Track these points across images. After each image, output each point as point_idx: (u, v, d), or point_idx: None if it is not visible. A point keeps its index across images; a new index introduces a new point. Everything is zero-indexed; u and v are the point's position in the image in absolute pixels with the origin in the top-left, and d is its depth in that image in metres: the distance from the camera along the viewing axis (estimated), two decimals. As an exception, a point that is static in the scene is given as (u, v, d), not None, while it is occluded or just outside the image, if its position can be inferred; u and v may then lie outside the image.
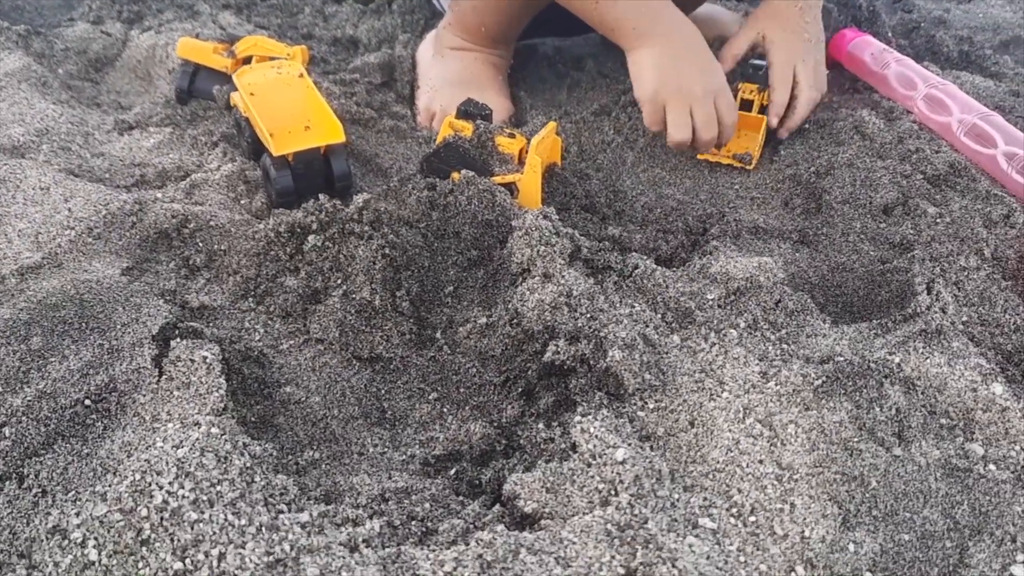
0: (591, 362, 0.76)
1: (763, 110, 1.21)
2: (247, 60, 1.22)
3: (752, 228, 1.06)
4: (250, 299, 0.89)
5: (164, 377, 0.71)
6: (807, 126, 1.25)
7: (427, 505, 0.67)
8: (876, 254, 1.02)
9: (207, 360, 0.72)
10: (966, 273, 0.90)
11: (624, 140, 1.24)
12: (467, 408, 0.82)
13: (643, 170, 1.21)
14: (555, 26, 1.45)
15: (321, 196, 0.93)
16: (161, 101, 1.23)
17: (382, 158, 1.15)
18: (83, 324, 0.77)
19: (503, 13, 1.25)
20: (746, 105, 1.21)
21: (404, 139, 1.21)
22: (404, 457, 0.76)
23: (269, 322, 0.87)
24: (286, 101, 1.05)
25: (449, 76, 1.29)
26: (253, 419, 0.76)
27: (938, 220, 1.04)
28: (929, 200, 1.07)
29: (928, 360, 0.78)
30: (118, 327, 0.76)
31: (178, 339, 0.75)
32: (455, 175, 1.02)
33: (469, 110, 1.06)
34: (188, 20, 1.43)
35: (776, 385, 0.75)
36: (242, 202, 1.02)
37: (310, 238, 0.89)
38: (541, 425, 0.76)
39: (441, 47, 1.31)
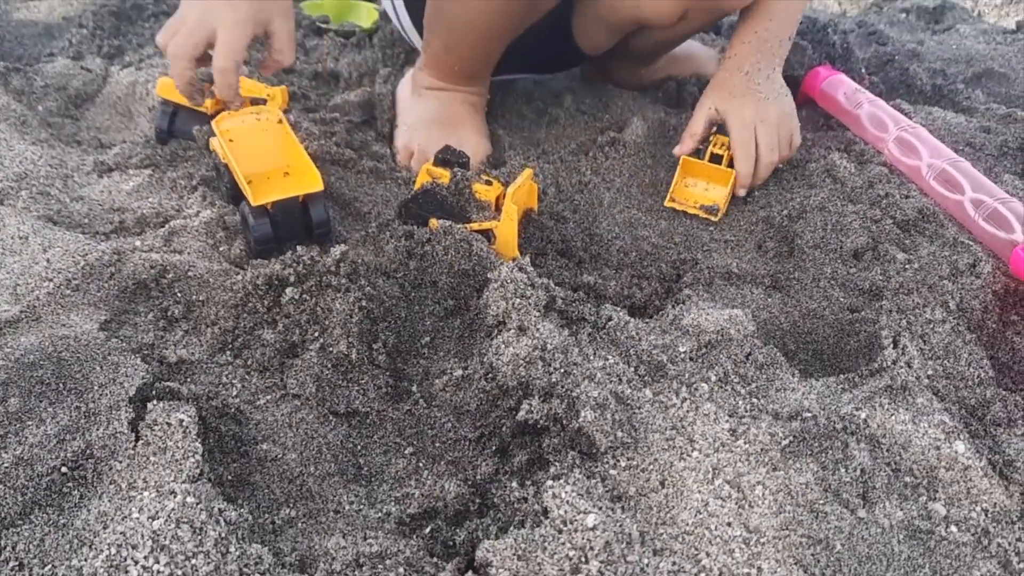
0: (564, 421, 0.78)
1: (732, 163, 1.22)
2: (227, 100, 1.22)
3: (725, 273, 1.08)
4: (228, 352, 0.89)
5: (140, 442, 0.72)
6: (780, 166, 1.27)
7: (401, 570, 0.68)
8: (846, 301, 1.04)
9: (183, 423, 0.73)
10: (932, 326, 0.92)
11: (601, 180, 1.26)
12: (442, 463, 0.83)
13: (619, 211, 1.22)
14: (532, 63, 1.47)
15: (299, 247, 0.94)
16: (141, 140, 1.23)
17: (361, 201, 1.16)
18: (60, 384, 0.77)
19: (474, 51, 1.27)
20: (716, 159, 1.22)
21: (383, 180, 1.22)
22: (380, 515, 0.77)
23: (246, 376, 0.87)
24: (265, 148, 1.06)
25: (427, 116, 1.30)
26: (230, 478, 0.76)
27: (907, 266, 1.06)
28: (898, 245, 1.09)
29: (893, 417, 0.80)
30: (95, 388, 0.77)
31: (155, 400, 0.76)
32: (433, 222, 1.04)
33: (447, 157, 1.07)
34: (168, 56, 1.43)
35: (745, 443, 0.77)
36: (221, 249, 1.03)
37: (288, 290, 0.90)
38: (515, 484, 0.77)
39: (417, 87, 1.33)
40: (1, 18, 1.77)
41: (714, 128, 1.25)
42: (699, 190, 1.22)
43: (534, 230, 1.10)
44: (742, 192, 1.21)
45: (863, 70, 1.55)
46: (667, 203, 1.21)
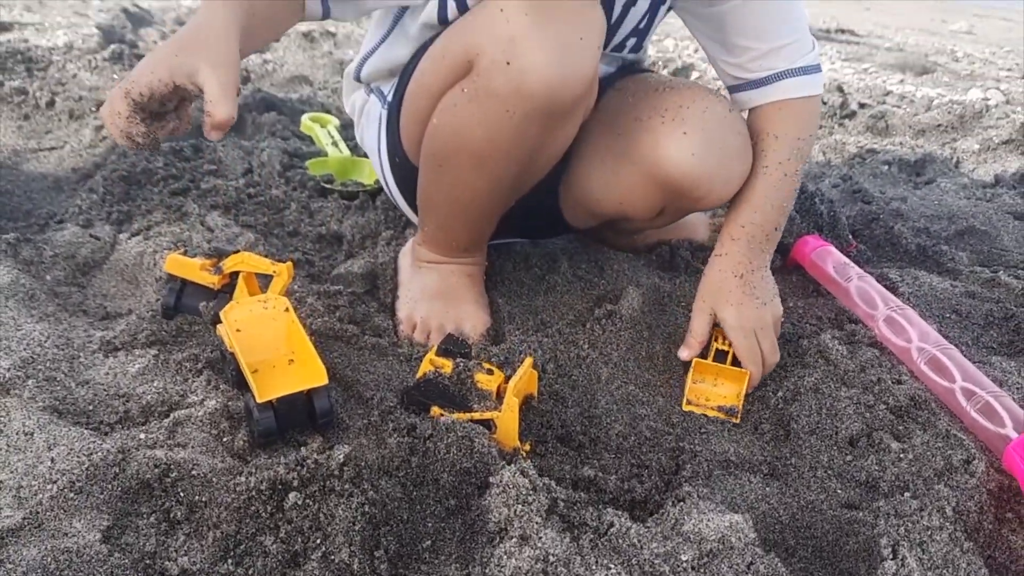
0: (568, 650, 0.77)
1: (736, 360, 1.23)
2: (234, 275, 1.25)
3: (723, 462, 1.09)
4: (229, 560, 0.89)
5: None
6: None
7: None
8: (843, 494, 1.05)
9: (186, 658, 0.72)
10: (930, 533, 0.93)
11: (599, 355, 1.29)
12: None
13: (617, 387, 1.24)
14: (527, 230, 1.52)
15: (303, 448, 0.95)
16: (147, 315, 1.25)
17: (363, 383, 1.17)
18: (61, 611, 0.77)
19: (467, 229, 1.32)
20: (720, 353, 1.24)
21: (385, 357, 1.24)
22: None
23: (248, 589, 0.87)
24: (271, 336, 1.08)
25: (427, 289, 1.34)
26: None
27: (901, 456, 1.07)
28: (892, 434, 1.11)
29: (896, 640, 0.80)
30: (97, 616, 0.76)
31: (157, 631, 0.75)
32: (435, 409, 1.06)
33: (449, 348, 1.10)
34: (176, 223, 1.47)
35: (749, 672, 0.77)
36: (224, 440, 1.03)
37: (291, 496, 0.91)
38: None
39: (417, 260, 1.37)
40: (11, 170, 1.82)
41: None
42: (707, 386, 1.23)
43: (534, 416, 1.11)
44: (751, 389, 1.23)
45: (849, 236, 1.61)
46: (684, 407, 1.21)
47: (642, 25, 1.27)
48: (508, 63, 1.05)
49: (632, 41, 1.29)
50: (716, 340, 1.25)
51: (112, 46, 2.31)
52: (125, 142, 0.98)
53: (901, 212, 1.81)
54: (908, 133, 2.51)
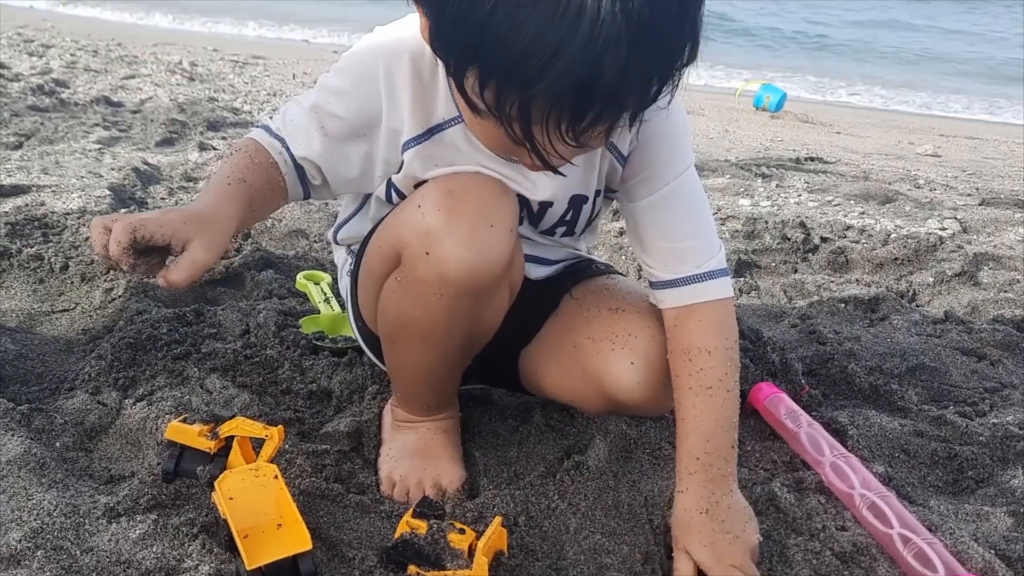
0: None
1: None
2: (229, 439, 1.36)
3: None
4: None
5: None
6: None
7: None
8: (792, 642, 1.13)
9: None
10: None
11: (568, 505, 1.38)
12: None
13: (584, 537, 1.34)
14: (490, 380, 1.64)
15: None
16: (149, 479, 1.35)
17: (346, 541, 1.26)
18: None
19: (433, 391, 1.45)
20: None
21: (368, 514, 1.34)
22: None
23: None
24: (260, 502, 1.18)
25: (406, 447, 1.45)
26: None
27: (845, 602, 1.16)
28: (837, 580, 1.20)
29: None
30: None
31: None
32: (412, 568, 1.15)
33: (424, 511, 1.20)
34: (178, 387, 1.59)
35: None
36: (217, 605, 1.12)
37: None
38: None
39: (395, 420, 1.50)
40: (26, 334, 1.95)
41: None
42: None
43: (504, 572, 1.20)
44: None
45: (802, 381, 1.73)
46: None
47: (568, 217, 1.37)
48: (427, 253, 1.19)
49: (562, 229, 1.40)
50: None
51: (123, 210, 2.49)
52: (113, 264, 1.07)
53: (854, 352, 1.93)
54: (867, 268, 2.67)
